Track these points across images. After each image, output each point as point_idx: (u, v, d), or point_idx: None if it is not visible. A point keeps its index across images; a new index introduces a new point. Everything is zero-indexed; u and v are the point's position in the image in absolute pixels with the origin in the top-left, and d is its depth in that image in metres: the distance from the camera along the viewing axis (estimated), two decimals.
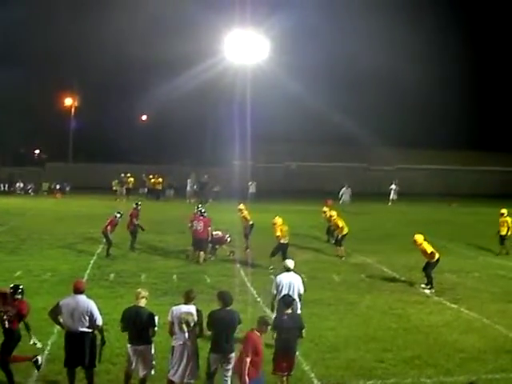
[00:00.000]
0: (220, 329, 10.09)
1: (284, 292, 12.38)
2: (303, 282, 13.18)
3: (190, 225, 22.61)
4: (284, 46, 52.25)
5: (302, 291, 12.84)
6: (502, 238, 25.23)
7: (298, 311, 12.17)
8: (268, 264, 20.61)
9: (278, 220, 21.29)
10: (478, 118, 63.00)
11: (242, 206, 24.54)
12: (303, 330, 10.60)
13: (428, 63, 59.05)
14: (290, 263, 13.27)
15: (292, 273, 13.02)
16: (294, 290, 12.64)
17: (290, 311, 10.67)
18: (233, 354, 10.14)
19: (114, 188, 49.24)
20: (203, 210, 22.97)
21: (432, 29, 59.38)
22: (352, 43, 56.72)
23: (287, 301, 10.83)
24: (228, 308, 10.30)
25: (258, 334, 9.64)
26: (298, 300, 12.48)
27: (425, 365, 12.00)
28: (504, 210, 25.78)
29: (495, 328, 14.49)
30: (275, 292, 12.74)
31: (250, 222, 23.68)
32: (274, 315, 11.59)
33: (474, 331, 14.25)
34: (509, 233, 25.25)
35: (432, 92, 61.64)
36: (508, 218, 25.44)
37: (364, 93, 62.06)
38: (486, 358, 12.50)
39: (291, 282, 12.76)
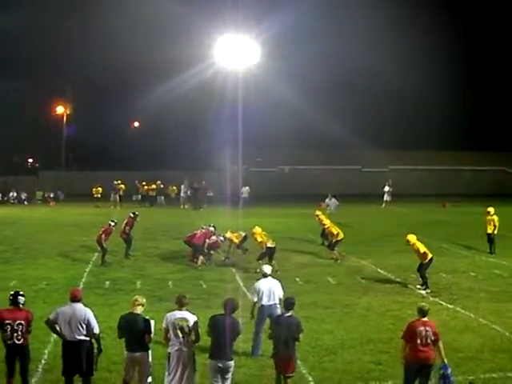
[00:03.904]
0: (220, 335, 10.03)
1: (265, 298, 12.70)
2: (282, 286, 13.14)
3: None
4: (275, 51, 52.24)
5: (281, 295, 12.80)
6: (489, 236, 25.23)
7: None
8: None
9: (257, 229, 21.63)
10: (470, 118, 63.29)
11: (229, 234, 23.19)
12: (301, 335, 10.60)
13: (419, 64, 59.19)
14: (266, 269, 13.32)
15: (270, 278, 13.07)
16: (274, 295, 12.77)
17: (290, 313, 10.68)
18: (231, 362, 10.10)
19: (95, 195, 49.11)
20: (214, 227, 23.10)
21: (424, 30, 59.58)
22: (343, 47, 56.84)
23: (289, 303, 10.83)
24: (230, 316, 10.24)
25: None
26: (278, 304, 12.61)
27: None
28: (491, 209, 25.60)
29: (492, 327, 14.53)
30: (256, 299, 12.82)
31: (243, 234, 23.15)
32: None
33: (471, 331, 14.29)
34: (495, 231, 25.15)
35: (424, 93, 61.75)
36: (495, 217, 25.28)
37: (355, 95, 62.35)
38: (484, 357, 12.54)
39: (270, 288, 12.83)
